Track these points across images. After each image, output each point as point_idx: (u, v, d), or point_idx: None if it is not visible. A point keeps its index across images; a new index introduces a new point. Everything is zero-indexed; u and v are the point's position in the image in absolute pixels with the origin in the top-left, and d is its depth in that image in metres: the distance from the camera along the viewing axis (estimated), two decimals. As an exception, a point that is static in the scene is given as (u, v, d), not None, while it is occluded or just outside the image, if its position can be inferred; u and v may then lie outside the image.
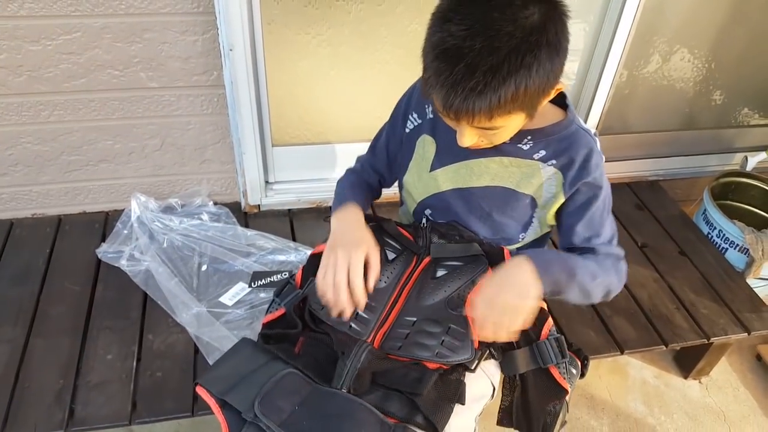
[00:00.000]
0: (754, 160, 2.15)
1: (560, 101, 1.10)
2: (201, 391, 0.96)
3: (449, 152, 1.14)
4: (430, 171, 1.17)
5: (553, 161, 1.08)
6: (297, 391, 0.97)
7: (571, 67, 1.98)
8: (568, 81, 2.01)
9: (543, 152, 1.08)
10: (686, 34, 1.98)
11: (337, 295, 1.05)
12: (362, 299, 1.06)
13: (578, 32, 1.89)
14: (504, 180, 1.11)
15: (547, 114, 1.08)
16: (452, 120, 0.94)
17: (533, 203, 1.13)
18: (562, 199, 1.10)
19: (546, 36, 0.85)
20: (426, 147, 1.18)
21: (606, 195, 1.11)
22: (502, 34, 0.82)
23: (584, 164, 1.06)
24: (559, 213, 1.14)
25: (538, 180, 1.10)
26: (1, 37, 1.49)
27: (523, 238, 1.18)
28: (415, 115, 1.20)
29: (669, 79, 2.10)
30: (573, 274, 1.05)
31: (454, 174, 1.15)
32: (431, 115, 1.16)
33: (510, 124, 0.96)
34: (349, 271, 1.05)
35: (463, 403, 1.03)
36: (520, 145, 1.09)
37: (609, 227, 1.13)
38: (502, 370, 1.16)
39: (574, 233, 1.12)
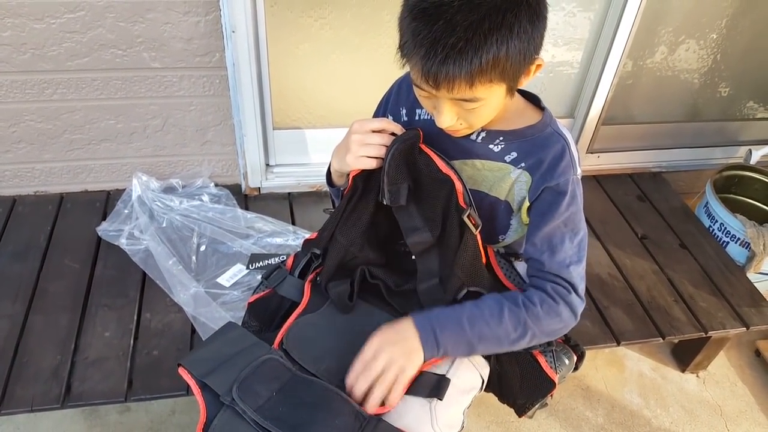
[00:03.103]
0: (758, 154, 2.13)
1: (537, 103, 1.08)
2: (183, 372, 0.96)
3: None
4: None
5: (523, 164, 1.04)
6: (276, 377, 0.97)
7: (575, 55, 1.96)
8: (571, 69, 2.00)
9: (514, 154, 1.05)
10: (692, 25, 1.97)
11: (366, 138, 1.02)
12: (394, 125, 1.04)
13: (582, 21, 1.88)
14: (478, 184, 1.09)
15: (523, 115, 1.06)
16: (430, 90, 0.90)
17: (509, 208, 1.09)
18: (527, 203, 1.06)
19: None
20: None
21: (571, 212, 1.03)
22: None
23: (550, 168, 1.02)
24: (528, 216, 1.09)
25: (509, 182, 1.06)
26: (5, 15, 1.50)
27: (503, 239, 1.16)
28: (390, 118, 1.18)
29: (674, 69, 2.08)
30: (472, 347, 1.01)
31: None
32: (405, 118, 1.15)
33: (490, 99, 0.92)
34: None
35: (441, 399, 1.02)
36: (491, 146, 1.06)
37: (569, 249, 1.04)
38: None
39: (532, 244, 1.05)
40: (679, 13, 1.93)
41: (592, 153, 2.18)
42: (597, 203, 2.11)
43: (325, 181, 1.22)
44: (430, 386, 1.03)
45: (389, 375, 0.96)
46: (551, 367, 1.13)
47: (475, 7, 0.81)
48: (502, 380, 1.18)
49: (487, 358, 1.17)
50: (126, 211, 1.78)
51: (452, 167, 1.03)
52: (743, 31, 2.03)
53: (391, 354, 0.97)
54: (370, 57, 1.80)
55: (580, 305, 1.05)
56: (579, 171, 1.06)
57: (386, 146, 1.02)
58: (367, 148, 1.02)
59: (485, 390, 1.21)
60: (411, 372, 0.98)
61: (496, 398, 1.24)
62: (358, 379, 0.97)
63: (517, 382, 1.15)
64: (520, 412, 1.20)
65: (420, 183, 1.05)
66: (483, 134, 1.06)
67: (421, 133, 1.04)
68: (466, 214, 1.02)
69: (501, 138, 1.05)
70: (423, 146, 1.04)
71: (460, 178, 1.03)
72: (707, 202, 2.09)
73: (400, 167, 1.02)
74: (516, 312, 1.01)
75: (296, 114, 1.91)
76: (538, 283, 1.05)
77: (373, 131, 1.03)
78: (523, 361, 1.14)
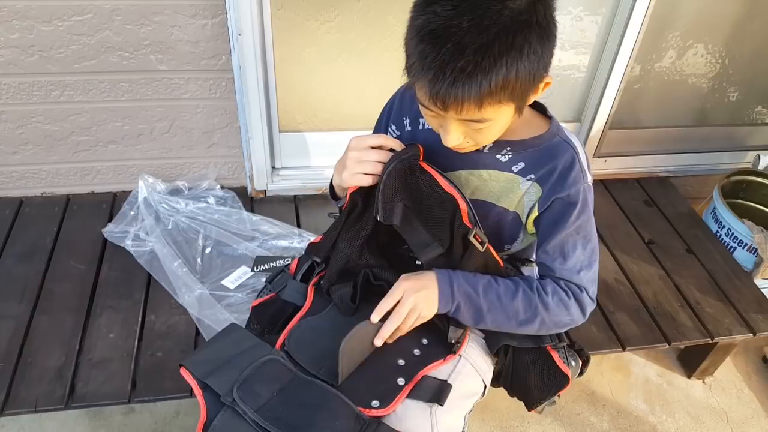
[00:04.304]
0: (766, 159, 2.11)
1: (544, 112, 1.07)
2: (184, 373, 0.97)
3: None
4: None
5: (532, 175, 1.04)
6: (277, 378, 0.97)
7: (582, 59, 1.96)
8: (578, 73, 1.99)
9: (522, 164, 1.04)
10: (700, 29, 1.96)
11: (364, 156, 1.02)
12: (393, 141, 1.03)
13: (590, 25, 1.88)
14: (484, 194, 1.09)
15: (530, 125, 1.05)
16: (438, 111, 0.88)
17: (518, 219, 1.09)
18: (536, 213, 1.06)
19: (536, 17, 0.81)
20: None
21: (582, 220, 1.04)
22: (491, 13, 0.78)
23: (561, 178, 1.02)
24: (535, 226, 1.09)
25: (518, 194, 1.06)
26: (13, 17, 1.51)
27: (509, 249, 1.16)
28: (393, 127, 1.18)
29: (681, 74, 2.07)
30: (481, 316, 1.04)
31: None
32: (409, 128, 1.14)
33: (498, 119, 0.91)
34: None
35: (441, 405, 1.02)
36: (498, 156, 1.05)
37: (581, 256, 1.05)
38: (488, 346, 1.16)
39: (544, 251, 1.06)
40: (687, 17, 1.92)
41: (599, 157, 2.18)
42: (604, 208, 2.10)
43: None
44: (431, 391, 1.03)
45: (410, 320, 1.01)
46: (564, 362, 1.13)
47: (485, 28, 0.79)
48: (515, 374, 1.17)
49: (504, 353, 1.17)
50: (132, 213, 1.78)
51: (455, 186, 1.02)
52: (752, 36, 2.02)
53: (415, 300, 1.00)
54: (376, 60, 1.80)
55: (590, 305, 1.08)
56: (590, 178, 1.05)
57: (383, 163, 1.01)
58: (363, 165, 1.01)
59: (495, 385, 1.22)
60: (426, 319, 1.04)
61: (506, 392, 1.24)
62: (387, 322, 1.00)
63: (532, 376, 1.14)
64: (531, 406, 1.19)
65: (423, 202, 1.04)
66: (490, 144, 1.05)
67: (422, 150, 1.03)
68: (472, 233, 1.02)
69: (508, 148, 1.04)
70: (424, 164, 1.03)
71: (463, 197, 1.02)
72: (715, 208, 2.08)
73: (396, 187, 1.01)
74: (529, 295, 1.04)
75: (302, 117, 1.91)
76: (551, 279, 1.07)
77: (372, 147, 1.02)
78: (535, 356, 1.14)
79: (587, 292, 1.07)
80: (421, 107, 0.94)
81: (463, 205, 1.02)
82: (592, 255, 1.07)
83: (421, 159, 1.03)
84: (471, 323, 1.06)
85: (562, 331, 1.12)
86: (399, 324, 1.00)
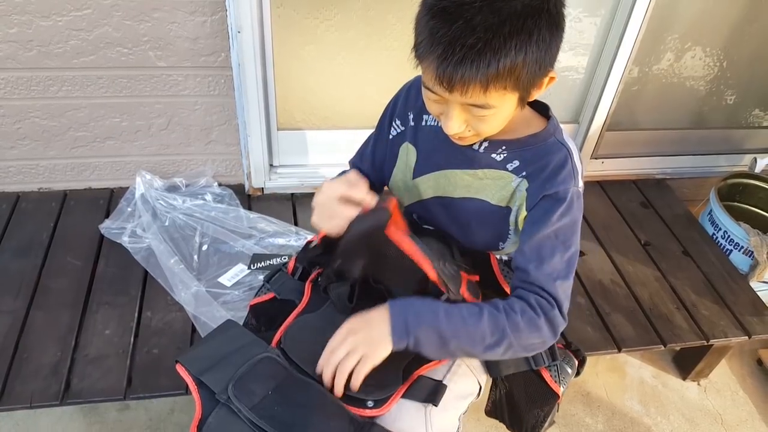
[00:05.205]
0: (762, 162, 2.12)
1: (545, 113, 1.07)
2: (180, 369, 0.97)
3: (428, 162, 1.11)
4: (413, 178, 1.15)
5: (524, 172, 1.03)
6: (272, 377, 0.97)
7: (581, 61, 1.96)
8: (577, 75, 2.00)
9: (516, 163, 1.04)
10: (698, 32, 1.96)
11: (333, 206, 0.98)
12: (361, 193, 0.99)
13: (589, 26, 1.88)
14: (480, 192, 1.08)
15: (527, 124, 1.05)
16: (443, 93, 0.88)
17: (508, 215, 1.08)
18: (524, 212, 1.04)
19: (547, 4, 0.82)
20: (408, 155, 1.15)
21: (564, 223, 1.00)
22: None
23: (551, 176, 1.00)
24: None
25: (509, 190, 1.05)
26: (12, 12, 1.51)
27: (502, 248, 1.15)
28: (398, 122, 1.17)
29: (679, 76, 2.08)
30: (445, 343, 0.95)
31: (434, 183, 1.12)
32: (412, 123, 1.14)
33: (502, 107, 0.90)
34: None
35: (436, 405, 1.01)
36: (494, 155, 1.05)
37: (558, 264, 0.99)
38: (487, 372, 1.14)
39: (521, 252, 1.01)
40: (685, 20, 1.92)
41: (596, 159, 2.18)
42: (600, 209, 2.10)
43: None
44: (426, 391, 1.03)
45: (349, 362, 0.94)
46: (555, 381, 1.12)
47: (497, 10, 0.80)
48: (510, 401, 1.17)
49: (495, 384, 1.17)
50: (129, 209, 1.78)
51: (426, 254, 0.99)
52: (750, 39, 2.03)
53: (354, 342, 0.94)
54: (375, 59, 1.80)
55: (562, 324, 1.00)
56: (581, 184, 1.03)
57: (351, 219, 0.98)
58: (331, 221, 0.99)
59: (492, 416, 1.22)
60: (373, 360, 0.94)
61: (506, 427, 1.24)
62: (324, 366, 0.96)
63: (523, 402, 1.14)
64: None
65: (387, 266, 1.03)
66: (486, 144, 1.05)
67: (394, 210, 0.99)
68: (445, 298, 1.01)
69: (504, 147, 1.05)
70: (391, 233, 0.99)
71: (433, 267, 1.00)
72: (711, 210, 2.08)
73: (358, 250, 1.01)
74: (495, 316, 0.96)
75: (300, 115, 1.91)
76: (521, 294, 1.01)
77: (342, 196, 0.99)
78: (528, 378, 1.14)
79: (560, 308, 0.99)
80: (424, 92, 0.93)
81: (433, 276, 0.99)
82: (569, 266, 1.01)
83: (389, 227, 0.98)
84: (435, 354, 0.98)
85: (531, 354, 1.06)
86: (333, 369, 0.94)
